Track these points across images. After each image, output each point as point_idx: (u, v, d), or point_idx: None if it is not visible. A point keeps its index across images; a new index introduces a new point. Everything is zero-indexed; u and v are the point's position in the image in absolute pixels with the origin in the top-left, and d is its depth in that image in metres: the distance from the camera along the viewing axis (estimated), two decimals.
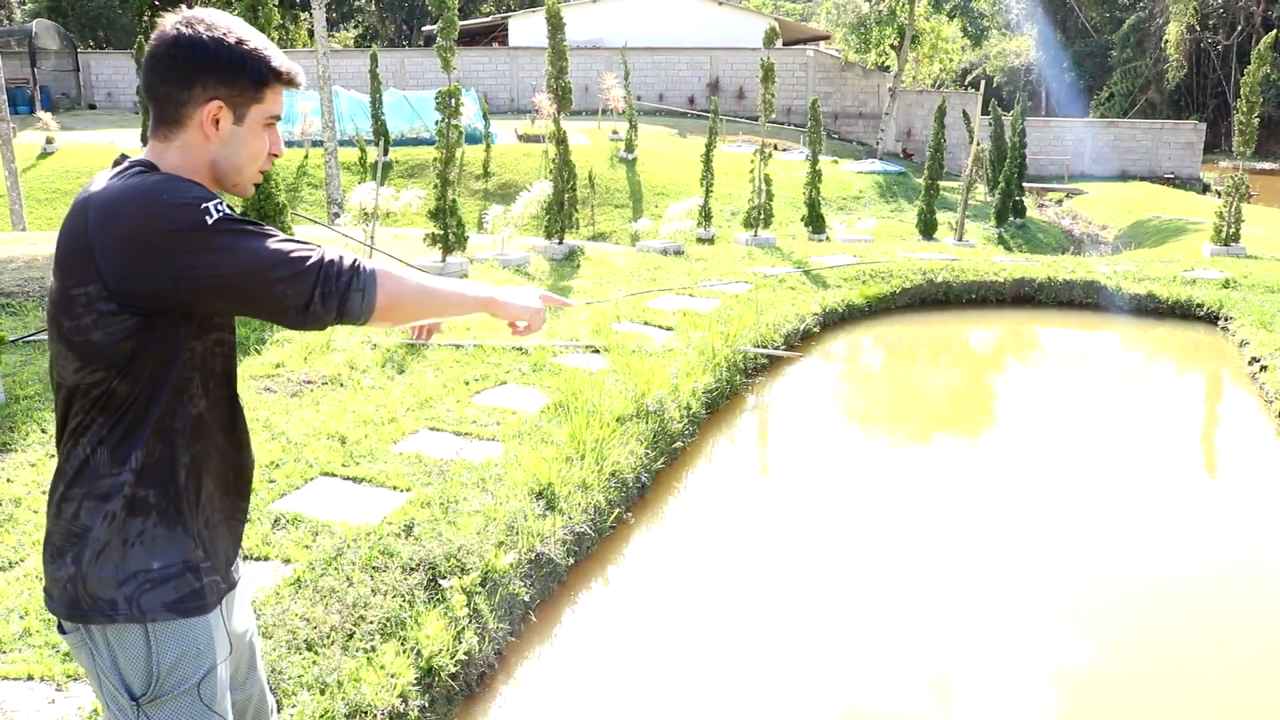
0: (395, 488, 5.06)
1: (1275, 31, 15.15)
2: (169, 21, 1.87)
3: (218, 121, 1.87)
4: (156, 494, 1.88)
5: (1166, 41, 45.03)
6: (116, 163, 1.89)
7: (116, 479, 1.85)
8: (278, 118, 1.97)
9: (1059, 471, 6.79)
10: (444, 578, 4.27)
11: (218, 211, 1.75)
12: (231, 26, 1.88)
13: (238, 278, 1.75)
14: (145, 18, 25.87)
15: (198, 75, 1.84)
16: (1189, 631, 4.80)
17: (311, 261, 1.79)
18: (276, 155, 2.00)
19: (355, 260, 1.85)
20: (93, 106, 33.14)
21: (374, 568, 4.21)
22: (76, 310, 1.78)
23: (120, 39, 38.21)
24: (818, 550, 5.57)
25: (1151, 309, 11.20)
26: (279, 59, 1.91)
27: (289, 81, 1.94)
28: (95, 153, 20.22)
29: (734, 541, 5.70)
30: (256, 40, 1.89)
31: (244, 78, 1.86)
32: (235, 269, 1.74)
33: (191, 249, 1.72)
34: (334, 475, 5.15)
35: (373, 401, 6.25)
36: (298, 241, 1.82)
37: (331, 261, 1.81)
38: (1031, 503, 6.26)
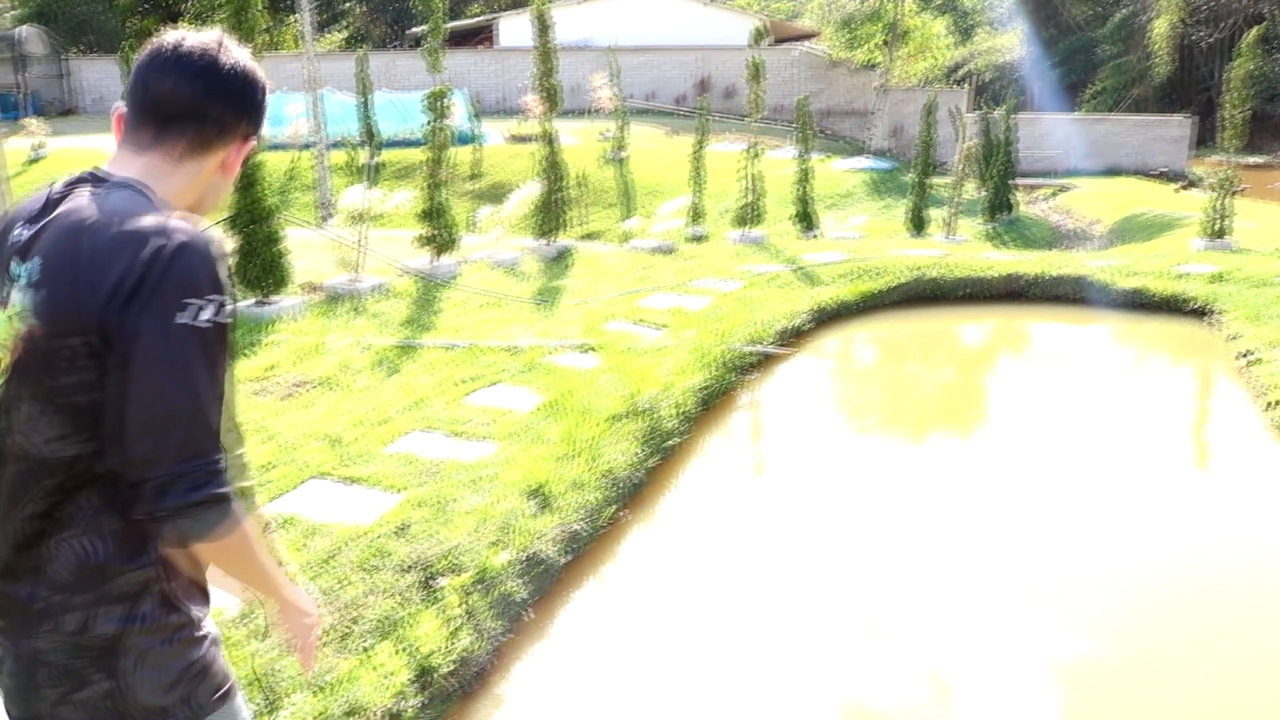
0: (389, 488, 5.05)
1: (1262, 25, 15.21)
2: (219, 38, 1.70)
3: (236, 158, 1.75)
4: (185, 580, 1.66)
5: (1154, 37, 45.18)
6: (93, 179, 1.65)
7: (139, 576, 1.59)
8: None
9: (1052, 466, 6.81)
10: (439, 577, 4.27)
11: (223, 316, 1.53)
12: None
13: (158, 390, 1.47)
14: (130, 22, 25.85)
15: (248, 108, 1.71)
16: (1186, 623, 4.82)
17: (194, 439, 1.49)
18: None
19: (229, 498, 1.54)
20: (69, 112, 32.99)
21: (369, 568, 4.20)
22: (60, 366, 1.51)
23: (107, 43, 38.09)
24: (813, 546, 5.58)
25: (1142, 303, 11.21)
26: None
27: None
28: (85, 158, 20.14)
29: (728, 538, 5.70)
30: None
31: (263, 119, 1.77)
32: (170, 381, 1.47)
33: (171, 334, 1.48)
34: (327, 477, 5.14)
35: (366, 402, 6.24)
36: (214, 417, 1.54)
37: (208, 466, 1.50)
38: (1026, 498, 6.27)
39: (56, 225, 1.56)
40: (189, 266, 1.50)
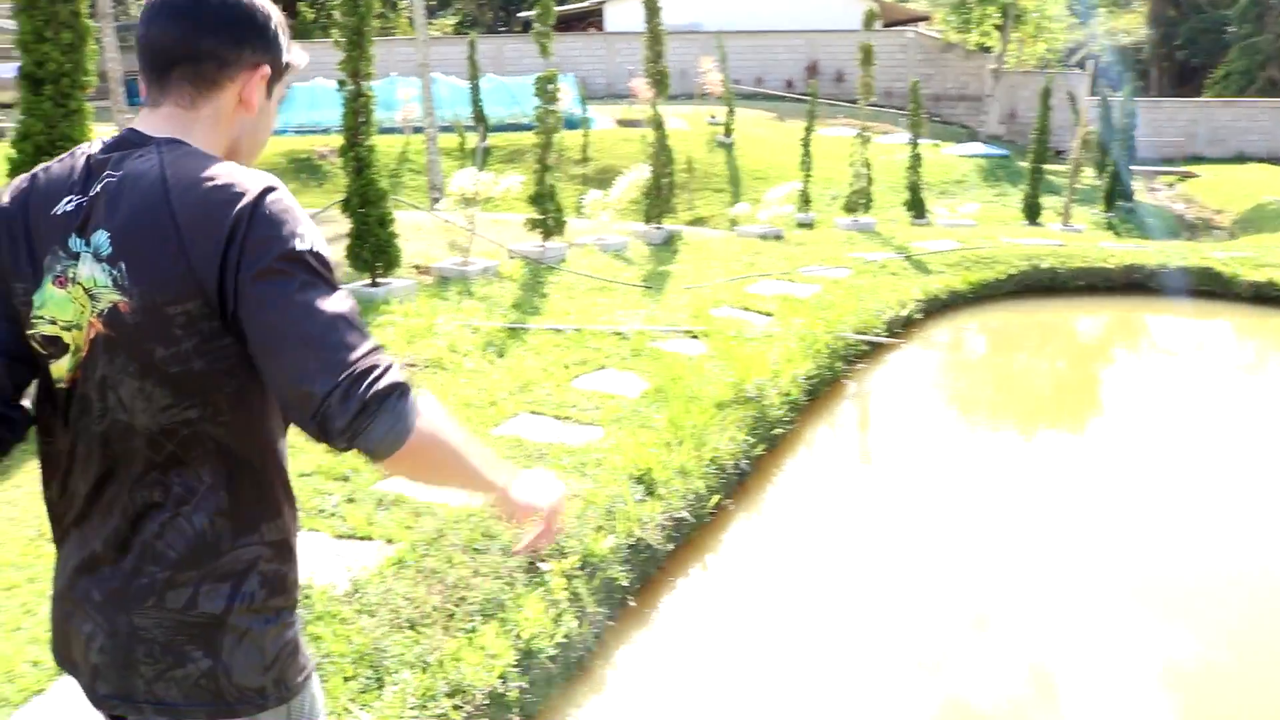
0: None
1: None
2: None
3: (253, 93, 1.61)
4: (291, 567, 1.64)
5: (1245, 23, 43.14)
6: (135, 141, 1.55)
7: (246, 554, 1.56)
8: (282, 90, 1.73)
9: (1170, 465, 6.57)
10: (543, 560, 4.29)
11: (312, 250, 1.46)
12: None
13: (275, 337, 1.41)
14: None
15: (248, 36, 1.58)
16: None
17: (356, 354, 1.41)
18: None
19: (403, 393, 1.45)
20: None
21: (475, 549, 4.24)
22: (175, 334, 1.45)
23: None
24: (919, 542, 5.47)
25: (1272, 297, 10.76)
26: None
27: (297, 65, 1.70)
28: None
29: (833, 531, 5.62)
30: (280, 13, 1.67)
31: (281, 47, 1.63)
32: (279, 323, 1.41)
33: (254, 283, 1.41)
34: None
35: (473, 384, 6.30)
36: (360, 326, 1.47)
37: (376, 370, 1.42)
38: (1141, 497, 6.06)
39: (122, 193, 1.47)
40: (280, 208, 1.45)
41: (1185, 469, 6.47)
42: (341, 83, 8.11)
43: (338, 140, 8.48)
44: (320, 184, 17.80)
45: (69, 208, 1.51)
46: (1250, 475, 6.38)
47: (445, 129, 21.38)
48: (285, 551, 1.62)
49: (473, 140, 20.96)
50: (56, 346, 1.53)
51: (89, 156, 1.55)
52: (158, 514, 1.52)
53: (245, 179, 1.46)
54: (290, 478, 1.67)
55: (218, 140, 1.59)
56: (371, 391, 1.39)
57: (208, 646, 1.54)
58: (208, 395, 1.48)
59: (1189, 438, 7.06)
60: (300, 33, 37.57)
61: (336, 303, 1.43)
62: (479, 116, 21.07)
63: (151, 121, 1.57)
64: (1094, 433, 7.59)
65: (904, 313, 9.50)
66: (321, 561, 3.99)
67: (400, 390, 1.43)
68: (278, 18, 1.63)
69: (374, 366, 1.41)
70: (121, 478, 1.53)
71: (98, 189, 1.50)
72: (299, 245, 1.43)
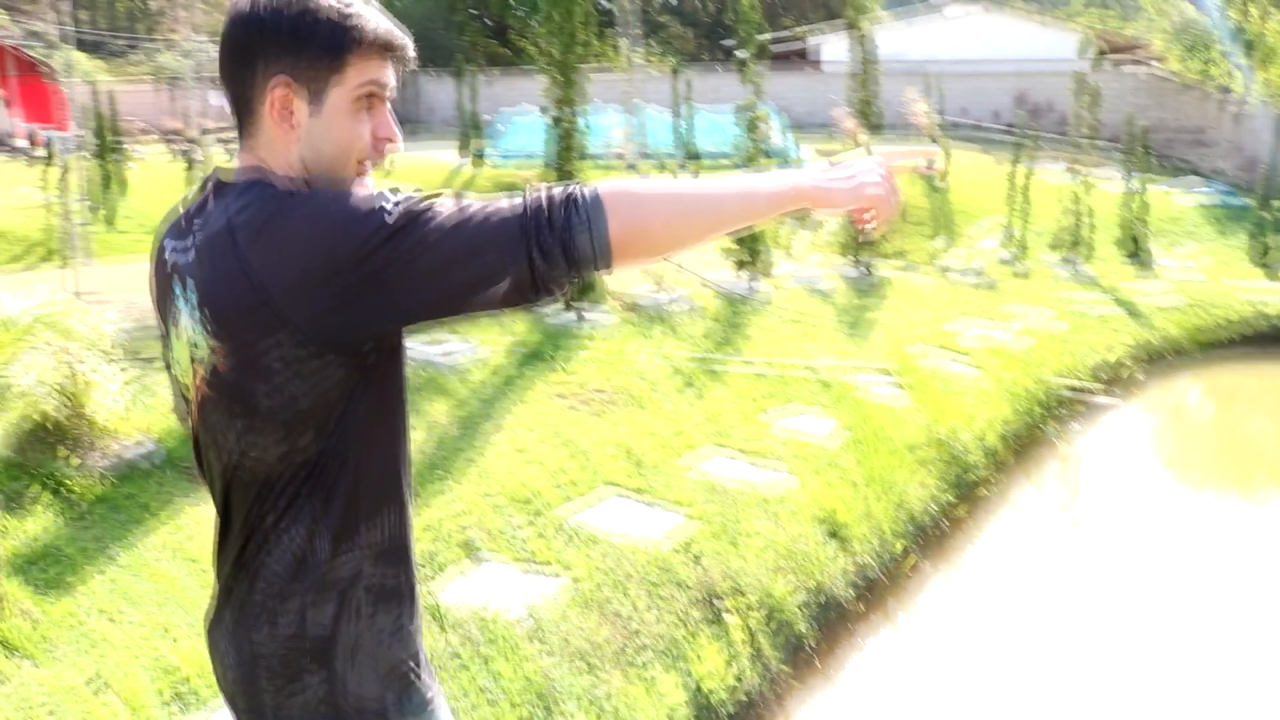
0: (680, 506, 5.03)
1: None
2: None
3: (289, 108, 1.46)
4: (400, 572, 1.58)
5: None
6: (214, 186, 1.52)
7: (348, 564, 1.51)
8: (381, 87, 1.50)
9: None
10: (721, 601, 4.20)
11: (393, 204, 1.35)
12: None
13: (446, 274, 1.35)
14: (467, 41, 27.45)
15: (257, 51, 1.45)
16: None
17: (514, 214, 1.36)
18: (389, 140, 1.53)
19: (567, 188, 1.38)
20: (406, 124, 35.68)
21: (653, 586, 4.19)
22: (273, 369, 1.40)
23: (447, 61, 40.89)
24: (1127, 621, 5.11)
25: None
26: (367, 20, 1.47)
27: (387, 47, 1.49)
28: (426, 168, 21.59)
29: (1035, 601, 5.31)
30: (337, 3, 1.46)
31: (313, 46, 1.44)
32: (440, 264, 1.34)
33: (385, 266, 1.33)
34: (621, 490, 5.18)
35: (665, 418, 6.28)
36: (479, 198, 1.40)
37: (539, 204, 1.37)
38: None
39: (201, 243, 1.46)
40: (336, 199, 1.39)
41: None
42: (544, 108, 8.31)
43: (544, 169, 8.67)
44: None
45: (172, 254, 1.53)
46: None
47: (648, 157, 21.67)
48: (390, 556, 1.55)
49: (676, 170, 21.16)
50: (186, 392, 1.55)
51: (186, 203, 1.54)
52: (265, 533, 1.50)
53: (299, 199, 1.41)
54: (404, 469, 1.58)
55: (286, 164, 1.48)
56: (555, 224, 1.35)
57: (322, 663, 1.51)
58: (318, 419, 1.44)
59: None
60: (509, 61, 38.97)
61: (450, 210, 1.36)
62: (683, 146, 21.25)
63: (240, 158, 1.54)
64: None
65: (1120, 366, 8.98)
66: (499, 588, 4.01)
67: (571, 198, 1.37)
68: (303, 14, 1.44)
69: (536, 208, 1.36)
70: (239, 507, 1.53)
71: (192, 238, 1.49)
72: (386, 218, 1.34)
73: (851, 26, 14.54)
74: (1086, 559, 5.80)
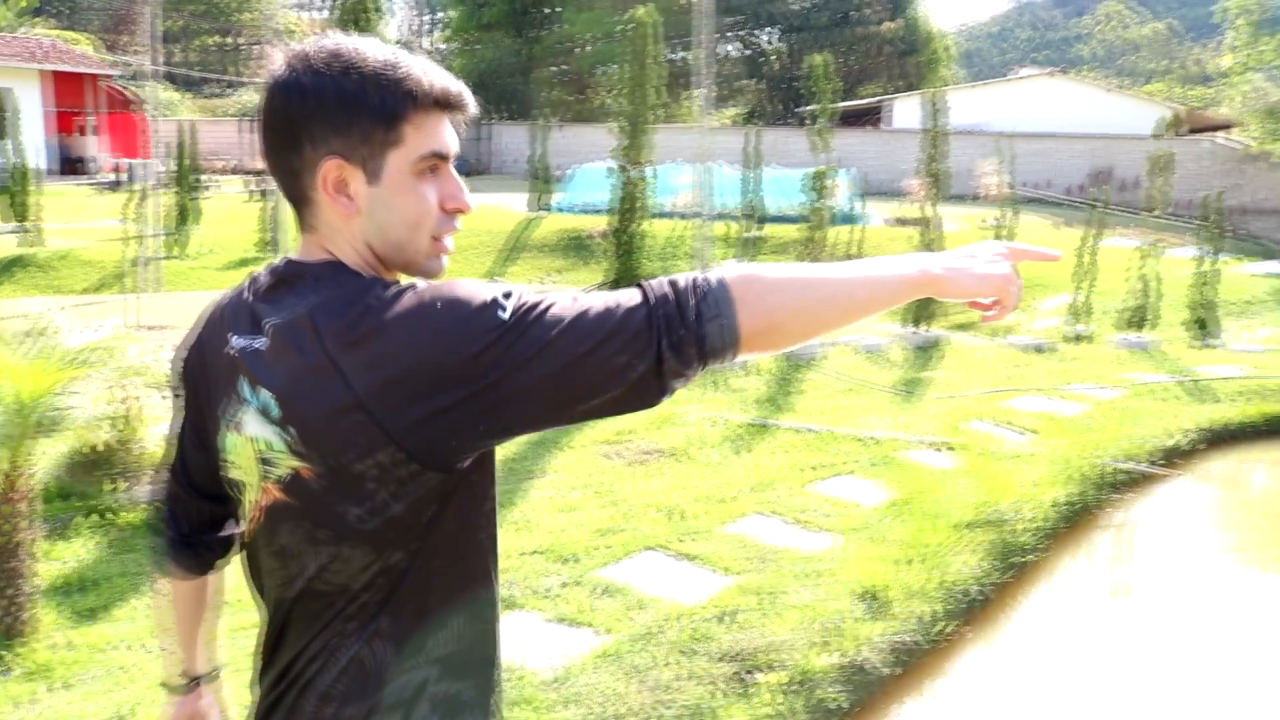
0: (720, 569, 4.98)
1: None
2: (279, 59, 1.35)
3: (344, 187, 1.31)
4: (474, 684, 1.42)
5: None
6: (283, 271, 1.36)
7: (413, 678, 1.36)
8: (442, 157, 1.35)
9: None
10: (757, 671, 4.13)
11: (507, 301, 1.23)
12: (352, 52, 1.31)
13: (566, 376, 1.22)
14: (546, 93, 27.96)
15: (302, 128, 1.30)
16: None
17: (639, 305, 1.24)
18: (460, 211, 1.38)
19: (694, 278, 1.27)
20: (480, 172, 36.17)
21: (687, 650, 4.13)
22: (367, 489, 1.26)
23: (523, 111, 41.54)
24: (1167, 696, 4.95)
25: None
26: (419, 76, 1.31)
27: (444, 103, 1.34)
28: (496, 214, 21.84)
29: (1077, 673, 5.17)
30: (381, 60, 1.30)
31: (364, 116, 1.29)
32: (560, 366, 1.21)
33: (503, 372, 1.20)
34: (662, 549, 5.15)
35: (710, 479, 6.24)
36: (601, 292, 1.29)
37: (664, 295, 1.24)
38: None
39: (276, 342, 1.30)
40: (442, 298, 1.24)
41: None
42: (619, 167, 8.38)
43: (609, 221, 8.73)
44: (587, 263, 18.41)
45: (241, 350, 1.35)
46: None
47: (719, 217, 21.75)
48: (459, 668, 1.40)
49: (743, 229, 21.20)
50: (240, 492, 1.41)
51: (254, 290, 1.38)
52: (326, 645, 1.36)
53: (398, 297, 1.26)
54: (490, 574, 1.44)
55: (352, 251, 1.34)
56: (686, 315, 1.23)
57: None
58: (408, 534, 1.31)
59: None
60: (585, 116, 39.48)
61: (567, 305, 1.24)
62: (752, 207, 21.32)
63: (304, 246, 1.38)
64: None
65: (1179, 443, 8.76)
66: (532, 644, 3.99)
67: (698, 287, 1.25)
68: (349, 80, 1.29)
69: (662, 299, 1.24)
70: (300, 620, 1.37)
71: (262, 335, 1.32)
72: (501, 314, 1.22)
73: (923, 89, 14.54)
74: (1125, 631, 5.63)
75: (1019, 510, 6.26)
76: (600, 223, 19.69)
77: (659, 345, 1.22)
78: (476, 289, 1.25)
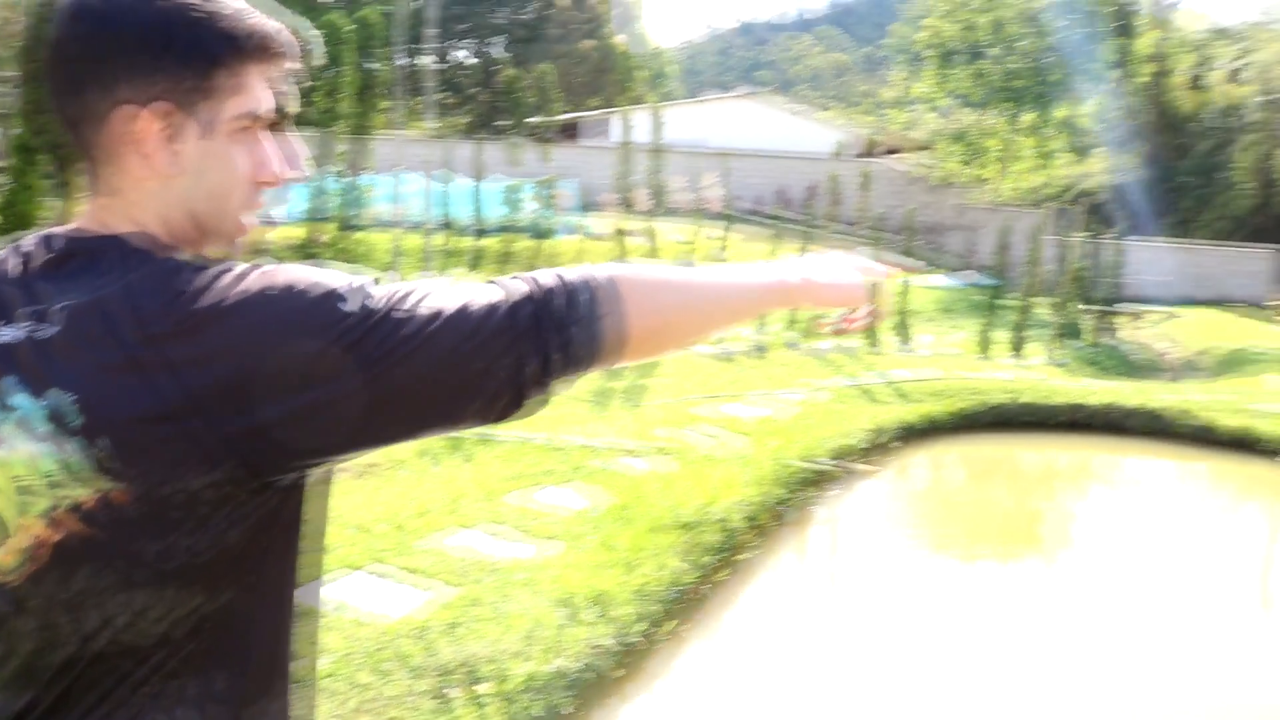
0: (437, 582, 4.93)
1: None
2: None
3: (155, 142, 1.07)
4: None
5: (1238, 169, 44.45)
6: (62, 249, 1.08)
7: None
8: (262, 118, 1.14)
9: (1122, 604, 6.49)
10: (474, 684, 4.12)
11: (373, 285, 1.06)
12: None
13: (443, 378, 1.05)
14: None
15: (99, 68, 1.06)
16: None
17: (524, 300, 1.09)
18: (271, 184, 1.16)
19: (583, 274, 1.13)
20: None
21: (389, 671, 4.06)
22: (199, 514, 1.02)
23: None
24: (874, 668, 5.32)
25: (1247, 443, 10.70)
26: (240, 16, 1.10)
27: (269, 51, 1.12)
28: None
29: (789, 658, 5.46)
30: None
31: (172, 57, 1.06)
32: (437, 365, 1.04)
33: (368, 365, 1.01)
34: (356, 569, 5.01)
35: (405, 494, 6.16)
36: (479, 283, 1.12)
37: (551, 289, 1.10)
38: (1087, 634, 5.96)
39: (80, 339, 1.01)
40: (304, 278, 1.04)
41: (1136, 609, 6.38)
42: (338, 174, 8.18)
43: (331, 229, 8.50)
44: None
45: (9, 341, 1.04)
46: (1197, 614, 6.28)
47: (444, 227, 21.56)
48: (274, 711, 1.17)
49: (467, 240, 21.12)
50: None
51: (23, 266, 1.09)
52: None
53: (235, 281, 1.02)
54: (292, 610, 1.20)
55: (160, 222, 1.09)
56: (579, 312, 1.10)
57: None
58: (240, 566, 1.08)
59: (1135, 579, 6.98)
60: (309, 122, 38.21)
61: (440, 294, 1.07)
62: (476, 217, 21.27)
63: (95, 213, 1.11)
64: (1037, 570, 7.55)
65: (881, 440, 9.41)
66: None
67: (588, 283, 1.12)
68: (155, 23, 1.06)
69: (549, 293, 1.10)
70: (76, 695, 1.07)
71: (47, 325, 1.03)
72: (355, 297, 1.03)
73: (640, 105, 14.97)
74: (833, 615, 6.02)
75: (734, 510, 6.54)
76: (328, 230, 19.12)
77: (547, 345, 1.08)
78: (334, 272, 1.06)
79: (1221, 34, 48.57)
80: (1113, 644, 5.93)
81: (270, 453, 1.02)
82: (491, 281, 1.12)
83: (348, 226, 7.73)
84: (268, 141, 1.16)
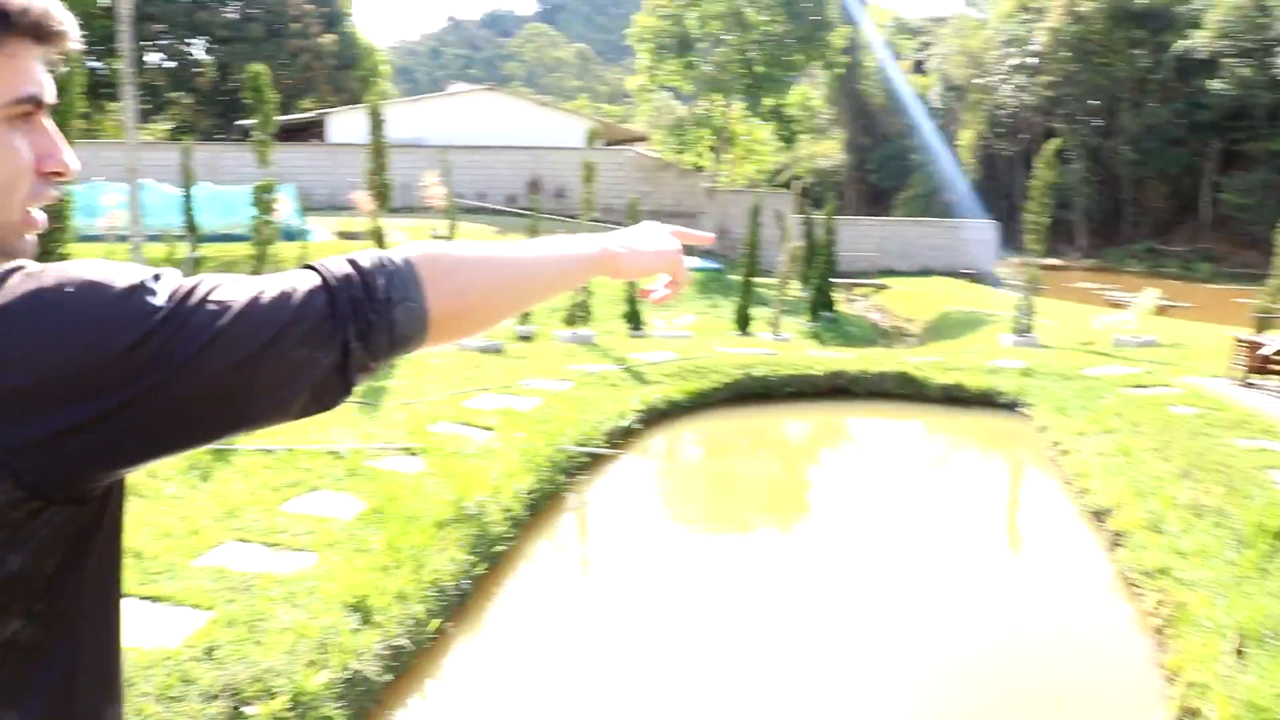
0: (197, 606, 4.75)
1: (1058, 139, 16.45)
2: None
3: None
4: None
5: (961, 147, 48.45)
6: None
7: None
8: (40, 103, 1.04)
9: (877, 557, 6.94)
10: (250, 704, 4.01)
11: (157, 281, 0.98)
12: None
13: (239, 377, 0.98)
14: None
15: None
16: (1001, 697, 4.94)
17: (318, 289, 1.03)
18: (60, 174, 1.08)
19: (377, 257, 1.08)
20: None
21: (171, 697, 3.92)
22: None
23: None
24: (644, 650, 5.50)
25: (959, 398, 11.69)
26: None
27: (42, 32, 1.03)
28: None
29: (554, 647, 5.57)
30: None
31: None
32: (231, 364, 0.97)
33: (157, 368, 0.94)
34: (127, 595, 4.80)
35: (174, 512, 5.91)
36: (272, 275, 1.06)
37: (346, 276, 1.05)
38: (852, 588, 6.36)
39: None
40: (70, 282, 0.95)
41: (892, 560, 6.84)
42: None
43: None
44: None
45: None
46: (953, 562, 6.82)
47: (154, 238, 20.37)
48: None
49: (183, 250, 20.06)
50: None
51: None
52: None
53: (10, 286, 0.94)
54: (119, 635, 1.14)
55: None
56: (376, 298, 1.05)
57: None
58: (28, 594, 0.99)
59: (894, 531, 7.49)
60: None
61: (231, 286, 1.00)
62: (190, 226, 20.24)
63: None
64: (804, 531, 7.95)
65: (623, 423, 9.67)
66: None
67: (384, 267, 1.08)
68: None
69: (345, 280, 1.05)
70: None
71: None
72: (139, 296, 0.95)
73: (361, 104, 14.66)
74: (597, 599, 6.17)
75: (489, 503, 6.59)
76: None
77: (345, 334, 1.02)
78: (116, 270, 0.97)
79: (905, 28, 52.41)
80: (860, 594, 6.37)
81: (49, 469, 0.93)
82: (290, 272, 1.07)
83: (50, 240, 7.24)
84: (53, 130, 1.07)
